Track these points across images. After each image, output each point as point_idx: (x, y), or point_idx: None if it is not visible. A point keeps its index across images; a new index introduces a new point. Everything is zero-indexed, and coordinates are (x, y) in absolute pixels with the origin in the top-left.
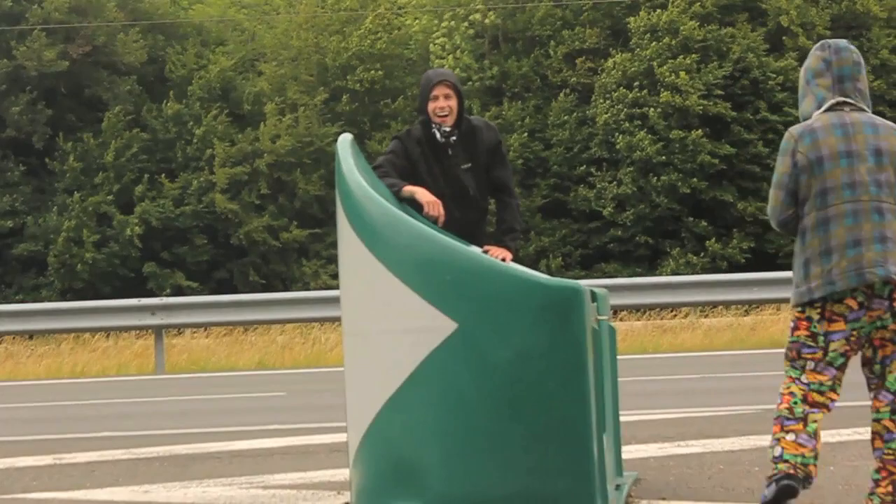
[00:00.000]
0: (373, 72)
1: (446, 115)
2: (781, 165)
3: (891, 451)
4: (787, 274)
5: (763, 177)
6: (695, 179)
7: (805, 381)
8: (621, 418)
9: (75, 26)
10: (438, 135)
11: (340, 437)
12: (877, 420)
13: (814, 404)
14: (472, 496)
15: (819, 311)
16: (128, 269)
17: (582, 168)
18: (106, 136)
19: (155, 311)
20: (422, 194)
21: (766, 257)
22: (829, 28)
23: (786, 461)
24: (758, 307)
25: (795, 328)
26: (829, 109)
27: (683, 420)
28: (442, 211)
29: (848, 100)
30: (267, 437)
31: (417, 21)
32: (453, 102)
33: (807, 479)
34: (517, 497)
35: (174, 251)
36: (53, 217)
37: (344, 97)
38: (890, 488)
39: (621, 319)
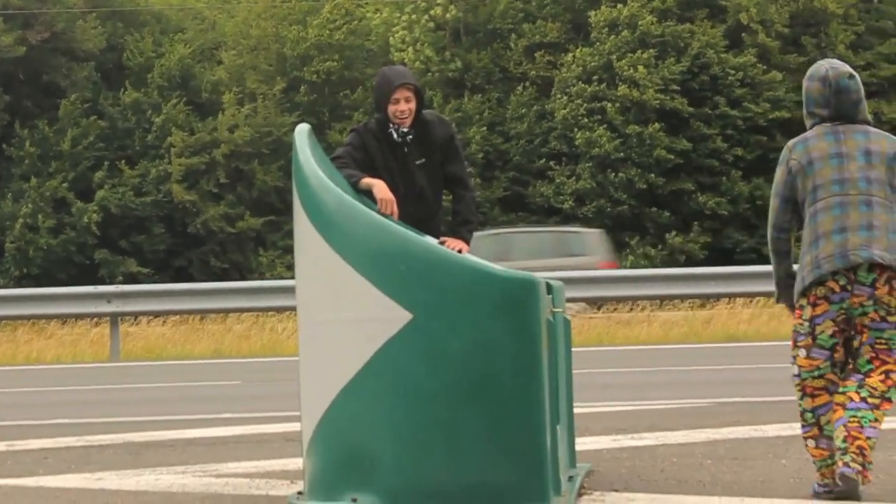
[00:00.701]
0: (330, 62)
1: (406, 118)
2: (778, 175)
3: (854, 419)
4: (743, 269)
5: (722, 171)
6: (652, 175)
7: (797, 372)
8: (575, 410)
9: (34, 12)
10: (395, 135)
11: (295, 427)
12: (841, 393)
13: (815, 395)
14: (424, 487)
15: (809, 298)
16: (84, 256)
17: (542, 162)
18: (63, 123)
19: (111, 298)
20: (378, 190)
21: (724, 252)
22: (788, 25)
23: (819, 468)
24: (713, 301)
25: (796, 316)
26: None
27: (637, 412)
28: (396, 210)
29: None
30: (221, 425)
31: (378, 14)
32: (413, 104)
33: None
34: (470, 488)
35: (132, 240)
36: (9, 203)
37: (302, 87)
38: (858, 445)
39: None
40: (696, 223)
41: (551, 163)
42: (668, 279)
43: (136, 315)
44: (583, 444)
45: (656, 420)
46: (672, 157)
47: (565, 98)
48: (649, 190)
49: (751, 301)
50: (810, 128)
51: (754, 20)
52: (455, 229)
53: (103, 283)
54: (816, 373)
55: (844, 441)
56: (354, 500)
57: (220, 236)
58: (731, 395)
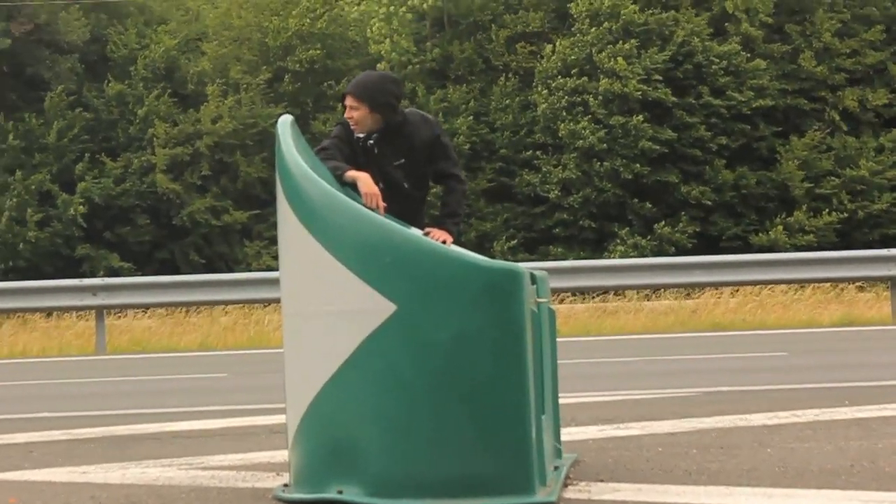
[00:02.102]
0: (313, 51)
1: (355, 125)
2: None
3: None
4: (729, 258)
5: (706, 160)
6: (637, 165)
7: None
8: (561, 400)
9: (17, 4)
10: (355, 137)
11: (281, 419)
12: None
13: None
14: (410, 478)
15: None
16: (70, 248)
17: (528, 153)
18: (49, 115)
19: (96, 291)
20: (363, 183)
21: (711, 240)
22: (773, 13)
23: None
24: (699, 290)
25: None
26: None
27: (623, 402)
28: (381, 204)
29: None
30: (207, 418)
31: (357, 6)
32: (357, 113)
33: None
34: (455, 478)
35: (116, 231)
36: None
37: (286, 77)
38: None
39: (563, 302)
40: (682, 213)
41: (537, 153)
42: (653, 268)
43: (121, 308)
44: (568, 434)
45: (642, 410)
46: (657, 147)
47: (546, 91)
48: (634, 180)
49: (737, 290)
50: None
51: (739, 8)
52: (441, 220)
53: (87, 277)
54: None
55: None
56: (340, 492)
57: (205, 229)
58: (718, 385)
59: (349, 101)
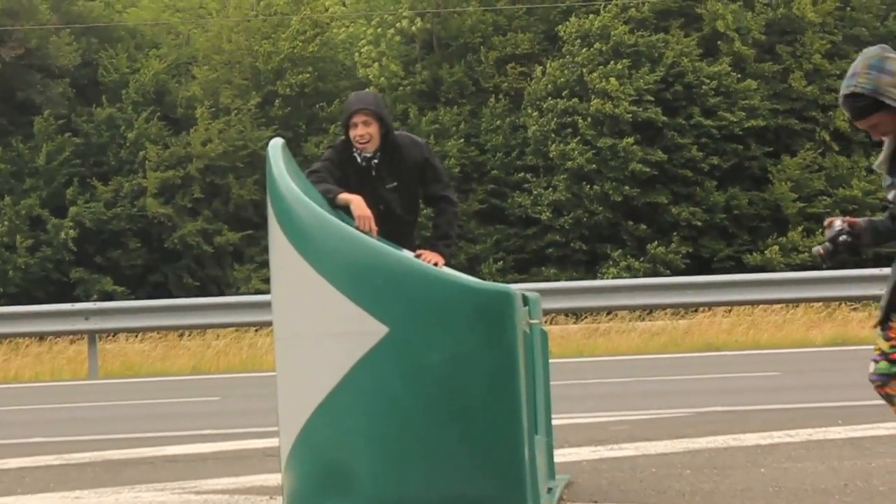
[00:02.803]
0: (303, 75)
1: (366, 143)
2: None
3: None
4: (721, 278)
5: (696, 181)
6: (626, 187)
7: None
8: (554, 421)
9: (7, 28)
10: (359, 159)
11: (274, 442)
12: None
13: None
14: (403, 500)
15: None
16: (61, 273)
17: (519, 175)
18: (37, 139)
19: (88, 315)
20: (356, 206)
21: (702, 262)
22: (764, 33)
23: None
24: (692, 311)
25: None
26: None
27: (616, 423)
28: (374, 227)
29: None
30: (200, 441)
31: (344, 29)
32: (373, 129)
33: None
34: (449, 500)
35: (108, 255)
36: None
37: (276, 101)
38: None
39: (556, 323)
40: (674, 233)
41: (528, 175)
42: (646, 289)
43: (113, 332)
44: (562, 455)
45: (635, 430)
46: (647, 169)
47: (537, 113)
48: (625, 202)
49: (730, 310)
50: None
51: (730, 28)
52: (433, 243)
53: (80, 301)
54: None
55: None
56: None
57: (197, 252)
58: (711, 405)
59: (362, 118)
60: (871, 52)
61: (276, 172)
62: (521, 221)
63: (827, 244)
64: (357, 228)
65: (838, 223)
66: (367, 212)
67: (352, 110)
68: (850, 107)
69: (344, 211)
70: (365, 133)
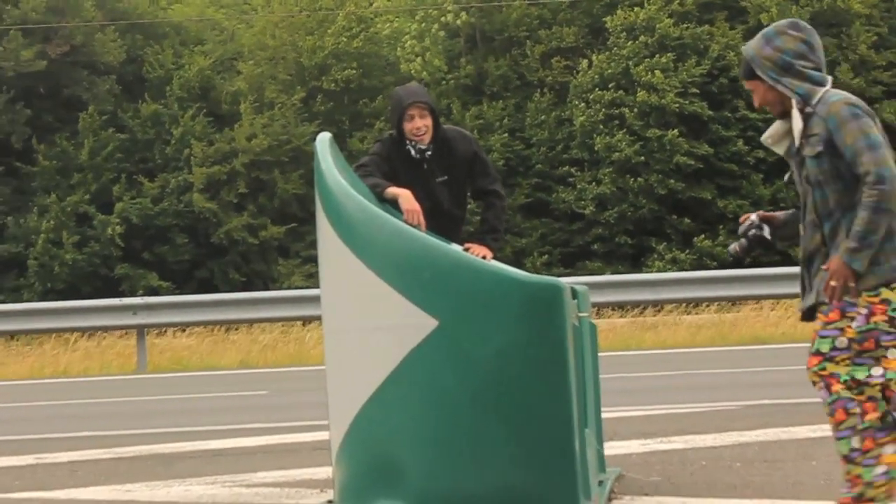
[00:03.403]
0: (348, 71)
1: (423, 134)
2: (871, 127)
3: None
4: (769, 271)
5: (742, 175)
6: (672, 181)
7: (879, 373)
8: (604, 415)
9: (53, 26)
10: (413, 151)
11: (323, 435)
12: None
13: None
14: (453, 493)
15: None
16: (108, 268)
17: (564, 168)
18: (82, 136)
19: (137, 310)
20: (405, 200)
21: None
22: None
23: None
24: (739, 304)
25: (870, 314)
26: None
27: (666, 416)
28: (423, 220)
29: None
30: (249, 435)
31: (389, 24)
32: (429, 121)
33: None
34: (499, 493)
35: (155, 251)
36: (34, 218)
37: (319, 97)
38: None
39: (604, 317)
40: (721, 227)
41: (573, 169)
42: (693, 282)
43: (161, 326)
44: (612, 448)
45: (685, 424)
46: (693, 162)
47: (583, 105)
48: (670, 195)
49: (777, 303)
50: (806, 89)
51: (775, 20)
52: (481, 237)
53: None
54: None
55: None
56: None
57: (242, 247)
58: (760, 398)
59: (418, 110)
60: (779, 23)
61: (325, 166)
62: (566, 216)
63: (742, 240)
64: (405, 222)
65: (753, 217)
66: (416, 206)
67: (407, 103)
68: (740, 65)
69: (392, 205)
70: (421, 125)
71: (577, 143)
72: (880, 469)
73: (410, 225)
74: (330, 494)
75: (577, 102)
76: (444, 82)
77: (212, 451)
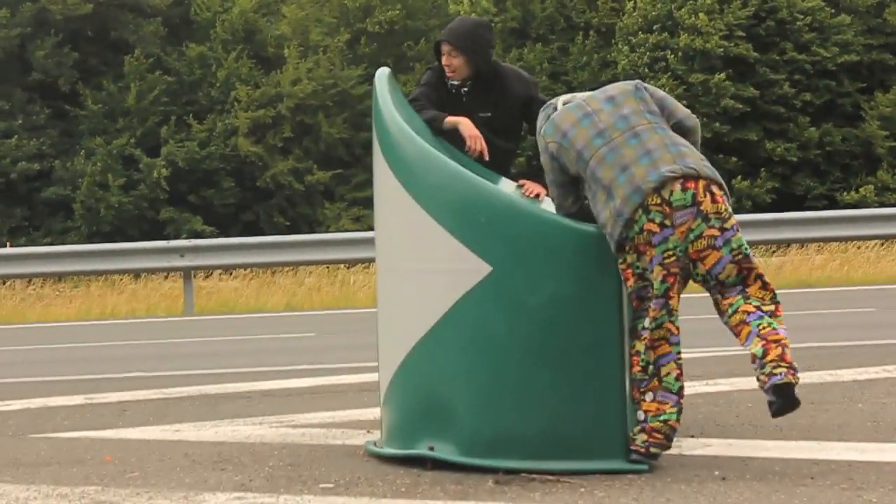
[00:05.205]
0: (392, 12)
1: (453, 72)
2: (545, 166)
3: (764, 326)
4: (815, 214)
5: (789, 117)
6: (717, 124)
7: (647, 324)
8: None
9: None
10: (448, 84)
11: (369, 377)
12: (734, 313)
13: (655, 346)
14: (500, 435)
15: (632, 250)
16: (154, 211)
17: None
18: (128, 79)
19: (184, 252)
20: (465, 127)
21: (794, 199)
22: None
23: (652, 427)
24: (785, 247)
25: (626, 279)
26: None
27: (711, 359)
28: (485, 146)
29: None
30: (296, 377)
31: None
32: (456, 60)
33: (671, 436)
34: (544, 436)
35: (201, 194)
36: (81, 161)
37: (362, 39)
38: (779, 351)
39: None
40: (763, 169)
41: None
42: (740, 225)
43: (208, 269)
44: None
45: (731, 366)
46: (739, 105)
47: (627, 48)
48: (715, 138)
49: (823, 246)
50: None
51: None
52: (535, 174)
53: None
54: (654, 324)
55: (764, 352)
56: (431, 448)
57: (288, 191)
58: (805, 341)
59: (446, 49)
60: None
61: (383, 105)
62: None
63: None
64: (466, 150)
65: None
66: (476, 132)
67: (439, 39)
68: None
69: (450, 135)
70: (450, 63)
71: None
72: (640, 416)
73: (473, 152)
74: (376, 435)
75: (621, 45)
76: (491, 24)
77: (259, 392)
